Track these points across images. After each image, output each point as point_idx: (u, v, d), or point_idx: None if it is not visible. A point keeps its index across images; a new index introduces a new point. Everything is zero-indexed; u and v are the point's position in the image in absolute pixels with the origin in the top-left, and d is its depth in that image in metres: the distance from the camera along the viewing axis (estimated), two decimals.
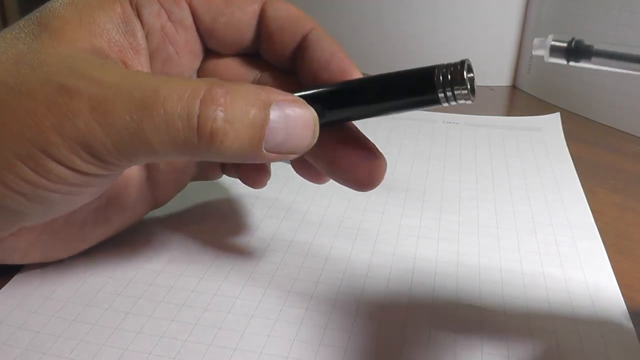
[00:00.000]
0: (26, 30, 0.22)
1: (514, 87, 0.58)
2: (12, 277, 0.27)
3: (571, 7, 0.50)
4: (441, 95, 0.21)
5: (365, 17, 0.58)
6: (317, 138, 0.22)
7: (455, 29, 0.56)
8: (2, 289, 0.26)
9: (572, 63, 0.20)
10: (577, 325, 0.25)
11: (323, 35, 0.25)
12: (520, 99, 0.56)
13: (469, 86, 0.20)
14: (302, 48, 0.25)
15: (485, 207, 0.34)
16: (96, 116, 0.20)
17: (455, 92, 0.21)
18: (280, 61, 0.27)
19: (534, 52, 0.20)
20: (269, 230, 0.31)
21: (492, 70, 0.57)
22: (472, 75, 0.21)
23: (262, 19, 0.26)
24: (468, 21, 0.55)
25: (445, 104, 0.21)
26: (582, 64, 0.19)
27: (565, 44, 0.19)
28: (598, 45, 0.19)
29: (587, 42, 0.19)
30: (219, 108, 0.20)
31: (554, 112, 0.49)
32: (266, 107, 0.21)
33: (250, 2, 0.26)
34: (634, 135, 0.46)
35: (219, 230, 0.31)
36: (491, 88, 0.57)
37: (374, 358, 0.23)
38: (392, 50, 0.58)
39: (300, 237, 0.30)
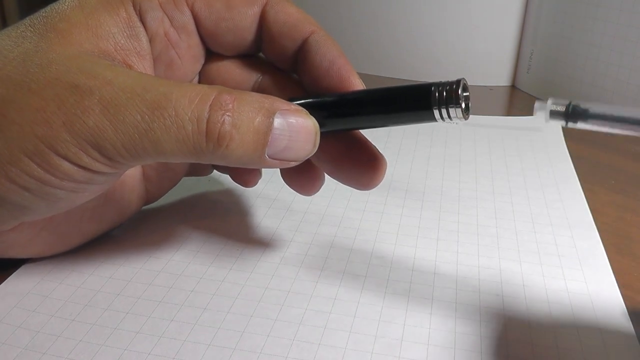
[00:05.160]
0: (32, 29, 0.22)
1: (513, 87, 0.58)
2: (10, 274, 0.27)
3: (571, 7, 0.50)
4: (436, 112, 0.21)
5: (365, 17, 0.58)
6: (317, 147, 0.23)
7: (456, 29, 0.56)
8: (1, 285, 0.26)
9: (570, 125, 0.21)
10: (576, 325, 0.25)
11: (323, 39, 0.25)
12: (520, 99, 0.56)
13: (463, 105, 0.21)
14: (302, 52, 0.26)
15: (484, 207, 0.34)
16: (107, 115, 0.20)
17: (450, 111, 0.21)
18: (281, 63, 0.27)
19: (535, 115, 0.21)
20: (268, 230, 0.31)
21: (492, 70, 0.57)
22: (467, 94, 0.21)
23: (262, 21, 0.26)
24: (468, 21, 0.55)
25: (440, 121, 0.22)
26: (580, 126, 0.21)
27: (563, 108, 0.21)
28: (594, 109, 0.20)
29: (584, 105, 0.20)
30: (227, 113, 0.21)
31: None
32: (270, 115, 0.21)
33: (250, 5, 0.26)
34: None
35: (218, 230, 0.31)
36: (490, 88, 0.57)
37: (373, 358, 0.23)
38: (392, 50, 0.58)
39: (299, 237, 0.30)
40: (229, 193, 0.35)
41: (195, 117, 0.20)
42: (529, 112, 0.50)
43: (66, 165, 0.21)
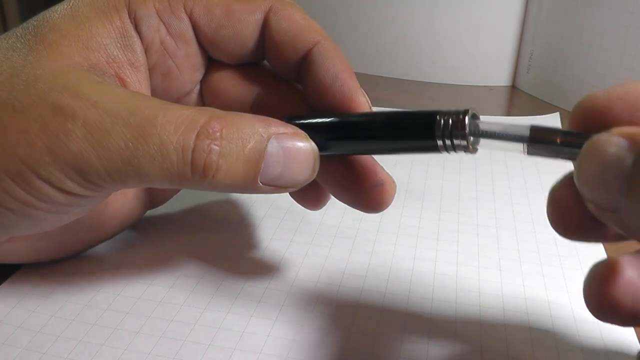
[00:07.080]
0: (22, 41, 0.22)
1: (513, 87, 0.58)
2: (11, 274, 0.27)
3: (570, 7, 0.50)
4: (440, 144, 0.20)
5: (364, 17, 0.58)
6: (317, 172, 0.22)
7: (455, 29, 0.56)
8: (1, 286, 0.26)
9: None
10: (576, 325, 0.25)
11: (327, 51, 0.24)
12: (520, 99, 0.56)
13: (471, 139, 0.19)
14: (306, 64, 0.24)
15: (484, 207, 0.34)
16: (91, 140, 0.20)
17: (455, 143, 0.19)
18: (285, 72, 0.26)
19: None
20: (268, 230, 0.31)
21: (492, 70, 0.57)
22: (476, 121, 0.19)
23: (265, 29, 0.25)
24: (468, 21, 0.55)
25: (445, 153, 0.20)
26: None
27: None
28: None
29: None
30: (214, 143, 0.20)
31: (553, 112, 0.49)
32: (264, 140, 0.20)
33: (252, 12, 0.25)
34: None
35: (218, 230, 0.31)
36: (491, 88, 0.57)
37: (373, 358, 0.23)
38: (392, 50, 0.58)
39: (299, 237, 0.30)
40: (228, 194, 0.35)
41: (180, 146, 0.19)
42: (529, 112, 0.50)
43: (47, 188, 0.20)
